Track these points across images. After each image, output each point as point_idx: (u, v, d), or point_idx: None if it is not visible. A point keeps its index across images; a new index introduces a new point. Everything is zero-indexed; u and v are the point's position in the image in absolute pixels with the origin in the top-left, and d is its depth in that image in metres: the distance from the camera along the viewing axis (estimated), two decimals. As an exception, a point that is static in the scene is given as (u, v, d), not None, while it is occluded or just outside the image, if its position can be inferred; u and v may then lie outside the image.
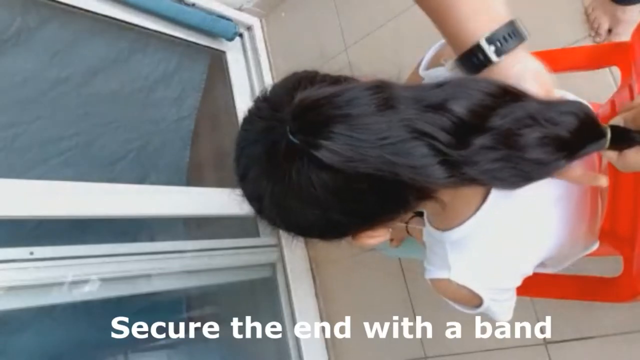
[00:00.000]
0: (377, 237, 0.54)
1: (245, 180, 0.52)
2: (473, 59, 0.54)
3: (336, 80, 0.52)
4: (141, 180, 1.67)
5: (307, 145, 0.44)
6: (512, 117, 0.46)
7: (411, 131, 0.44)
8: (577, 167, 0.51)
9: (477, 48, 0.53)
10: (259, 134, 0.50)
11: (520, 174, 0.47)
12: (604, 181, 0.54)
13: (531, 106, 0.47)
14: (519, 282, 0.68)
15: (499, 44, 0.53)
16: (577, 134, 0.47)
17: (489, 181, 0.47)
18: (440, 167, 0.44)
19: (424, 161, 0.44)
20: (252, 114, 0.52)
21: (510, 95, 0.47)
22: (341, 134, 0.43)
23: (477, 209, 0.59)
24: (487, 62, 0.53)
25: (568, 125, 0.47)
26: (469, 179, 0.46)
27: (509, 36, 0.53)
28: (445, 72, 0.74)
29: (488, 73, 0.54)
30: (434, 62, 0.77)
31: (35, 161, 1.41)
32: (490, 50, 0.53)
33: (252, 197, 0.53)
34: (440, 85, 0.47)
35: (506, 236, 0.63)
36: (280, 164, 0.47)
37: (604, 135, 0.49)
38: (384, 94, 0.45)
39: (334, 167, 0.44)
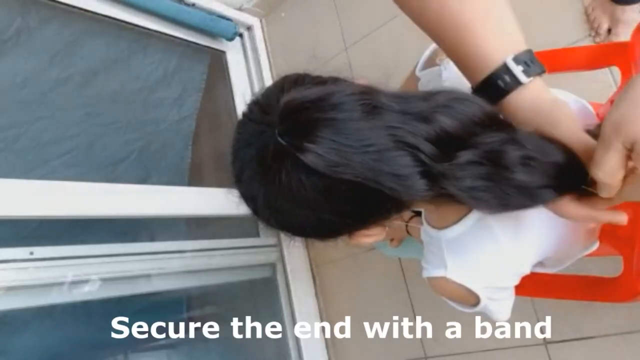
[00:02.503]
0: (372, 236, 0.54)
1: (240, 182, 0.53)
2: (498, 82, 0.49)
3: (324, 81, 0.52)
4: (142, 181, 1.67)
5: (293, 148, 0.45)
6: (499, 139, 0.45)
7: (395, 140, 0.44)
8: (571, 204, 0.49)
9: (504, 68, 0.49)
10: (251, 136, 0.50)
11: (501, 196, 0.46)
12: (622, 218, 0.48)
13: (520, 134, 0.46)
14: (516, 281, 0.67)
15: (526, 65, 0.48)
16: (562, 170, 0.46)
17: (466, 200, 0.46)
18: (421, 179, 0.44)
19: (405, 170, 0.44)
20: (245, 116, 0.52)
21: (498, 124, 0.46)
22: (327, 138, 0.44)
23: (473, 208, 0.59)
24: (515, 83, 0.49)
25: (555, 158, 0.46)
26: (446, 194, 0.45)
27: (531, 62, 0.49)
28: (439, 71, 0.74)
29: (515, 101, 0.49)
30: (430, 63, 0.77)
31: (36, 162, 1.41)
32: (518, 69, 0.48)
33: (247, 198, 0.53)
34: (426, 98, 0.46)
35: (502, 235, 0.63)
36: (270, 166, 0.47)
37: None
38: (370, 100, 0.45)
39: (318, 170, 0.44)
